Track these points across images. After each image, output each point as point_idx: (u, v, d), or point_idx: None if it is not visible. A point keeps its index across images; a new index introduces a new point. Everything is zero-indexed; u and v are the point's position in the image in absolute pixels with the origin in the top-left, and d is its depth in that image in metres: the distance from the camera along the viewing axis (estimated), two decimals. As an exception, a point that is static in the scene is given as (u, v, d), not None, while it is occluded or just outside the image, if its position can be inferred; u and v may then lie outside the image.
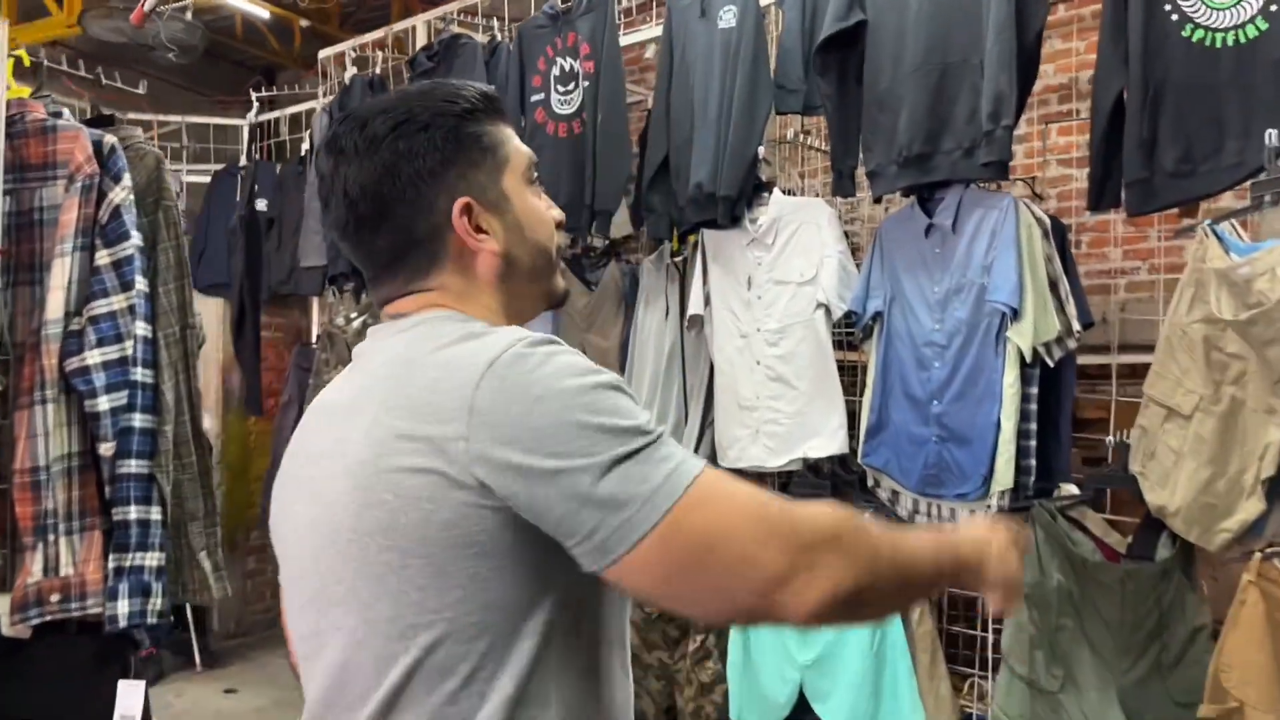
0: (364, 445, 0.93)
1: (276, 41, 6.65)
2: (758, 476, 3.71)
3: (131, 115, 6.19)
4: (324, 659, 0.97)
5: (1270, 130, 2.29)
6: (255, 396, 5.26)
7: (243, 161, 5.80)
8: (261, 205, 5.61)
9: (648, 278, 3.71)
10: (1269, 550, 2.34)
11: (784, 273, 3.15)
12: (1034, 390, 2.69)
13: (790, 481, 3.21)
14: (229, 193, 5.77)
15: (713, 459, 3.30)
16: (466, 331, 0.96)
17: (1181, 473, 2.46)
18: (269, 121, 5.83)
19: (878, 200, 3.01)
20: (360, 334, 4.35)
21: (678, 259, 3.60)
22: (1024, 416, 2.69)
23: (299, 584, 1.03)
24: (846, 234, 3.40)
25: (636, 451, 0.87)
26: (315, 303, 5.16)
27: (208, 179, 5.96)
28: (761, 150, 3.16)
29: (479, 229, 1.03)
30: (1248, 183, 2.44)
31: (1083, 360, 3.45)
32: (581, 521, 0.85)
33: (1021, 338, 2.62)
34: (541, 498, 0.86)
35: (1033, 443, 2.69)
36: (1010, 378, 2.65)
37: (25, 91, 2.70)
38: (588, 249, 3.95)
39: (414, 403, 0.91)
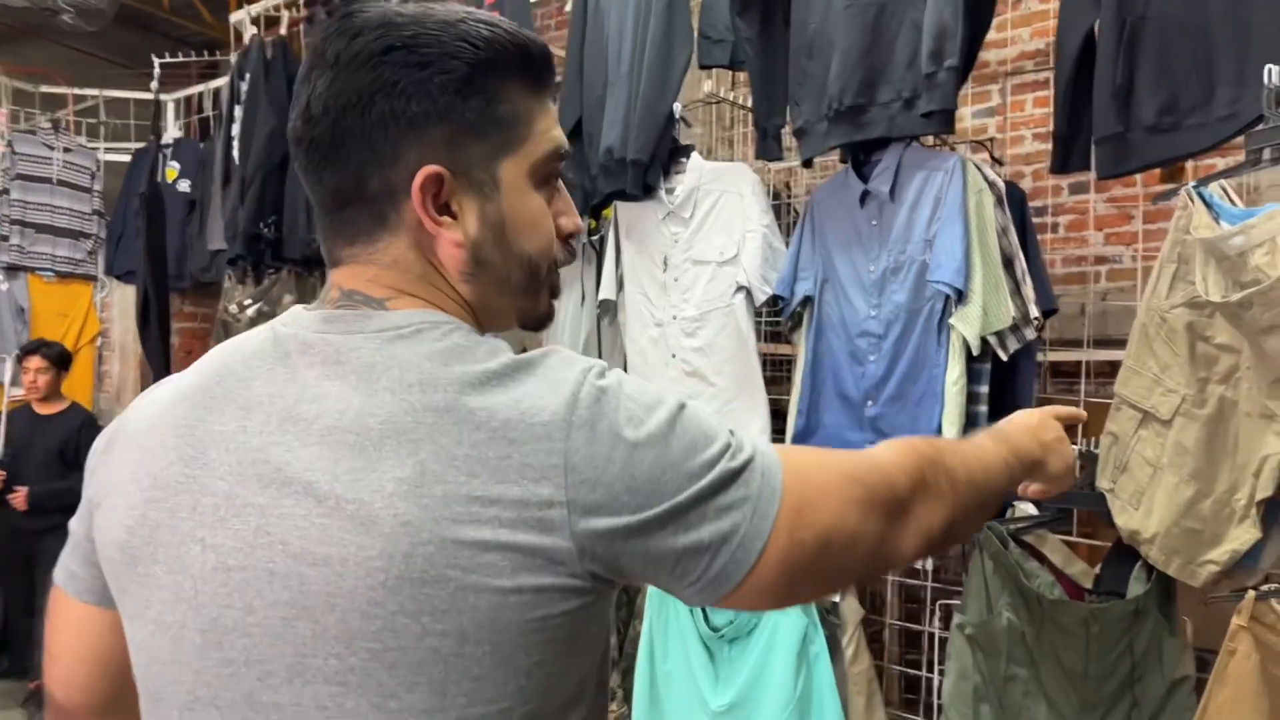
0: (406, 501, 0.71)
1: (210, 14, 6.23)
2: None
3: (44, 89, 5.79)
4: None
5: (1270, 66, 1.84)
6: (161, 392, 4.80)
7: (167, 139, 5.38)
8: (184, 186, 5.21)
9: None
10: (1264, 588, 1.89)
11: (703, 251, 2.70)
12: (983, 389, 2.24)
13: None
14: (144, 170, 5.33)
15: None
16: (501, 356, 0.78)
17: (1159, 490, 2.01)
18: (196, 96, 5.40)
19: (807, 164, 2.56)
20: (255, 321, 3.91)
21: (594, 238, 3.15)
22: (971, 421, 2.24)
23: (208, 637, 0.77)
24: (783, 208, 2.95)
25: (733, 473, 0.76)
26: (238, 290, 4.73)
27: (128, 158, 5.57)
28: (678, 108, 2.72)
29: (446, 209, 0.80)
30: (1240, 138, 2.00)
31: (1056, 357, 3.01)
32: (697, 561, 0.76)
33: (967, 325, 2.17)
34: (655, 549, 0.75)
35: (982, 452, 2.23)
36: (954, 374, 2.20)
37: None
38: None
39: (483, 456, 0.72)
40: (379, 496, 0.72)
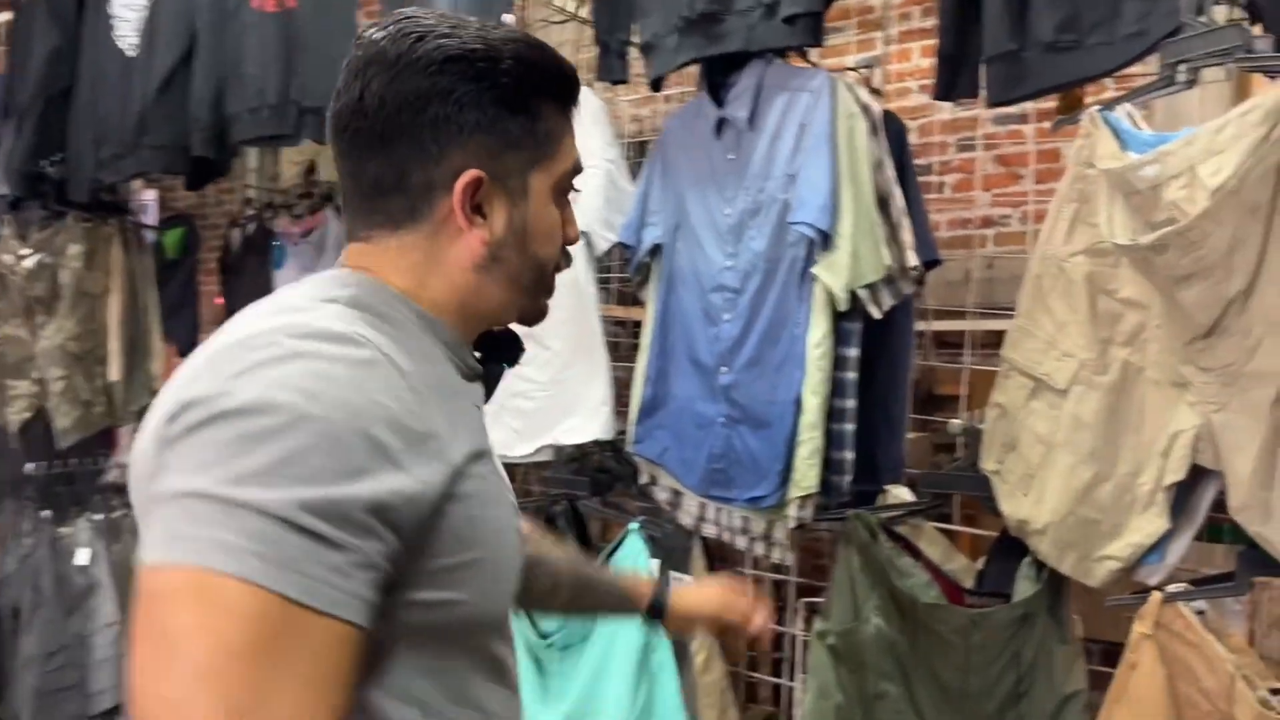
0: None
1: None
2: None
3: None
4: None
5: (1190, -40, 1.53)
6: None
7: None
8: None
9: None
10: (1172, 589, 1.59)
11: (537, 191, 2.30)
12: (852, 352, 1.89)
13: (543, 476, 2.37)
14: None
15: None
16: (297, 304, 0.80)
17: (1052, 473, 1.70)
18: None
19: (655, 85, 2.17)
20: (36, 274, 3.35)
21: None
22: (838, 389, 1.89)
23: None
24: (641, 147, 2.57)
25: (227, 502, 0.65)
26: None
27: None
28: (509, 19, 2.30)
29: (478, 209, 0.87)
30: (1148, 59, 1.70)
31: (940, 326, 2.71)
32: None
33: (833, 274, 1.81)
34: None
35: (849, 427, 1.89)
36: (817, 333, 1.84)
37: None
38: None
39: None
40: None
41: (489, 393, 0.96)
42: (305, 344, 0.72)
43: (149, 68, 2.93)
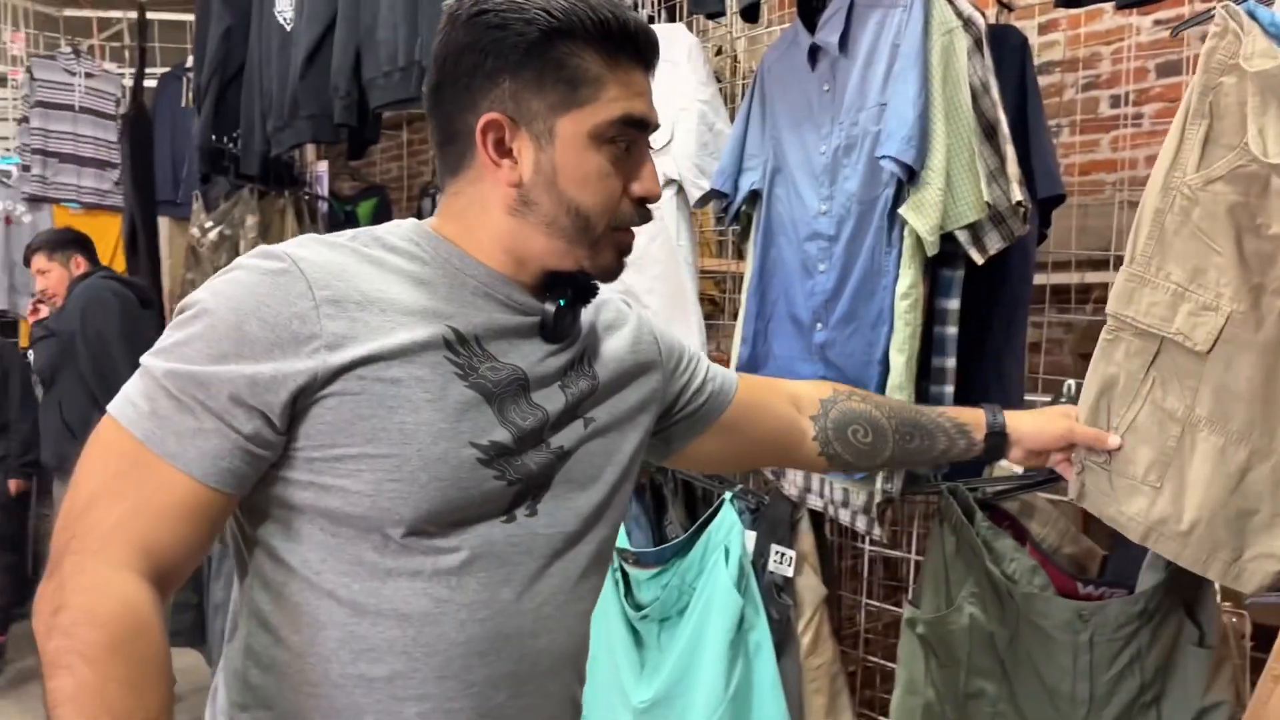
0: None
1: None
2: None
3: (68, 13, 5.59)
4: None
5: None
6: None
7: (189, 62, 5.10)
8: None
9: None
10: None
11: (636, 139, 2.17)
12: (952, 304, 1.66)
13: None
14: (174, 99, 5.06)
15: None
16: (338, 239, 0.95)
17: (1195, 457, 1.40)
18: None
19: (748, 13, 1.98)
20: (218, 245, 3.57)
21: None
22: (937, 346, 1.67)
23: None
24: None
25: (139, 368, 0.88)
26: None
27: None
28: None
29: (508, 153, 0.94)
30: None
31: (1059, 280, 2.37)
32: None
33: (920, 215, 1.58)
34: None
35: (948, 389, 1.66)
36: (905, 282, 1.62)
37: None
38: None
39: None
40: None
41: (556, 330, 0.99)
42: (243, 260, 0.90)
43: (299, 40, 3.02)
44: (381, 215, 4.40)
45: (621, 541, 2.14)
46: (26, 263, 3.93)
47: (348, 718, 0.90)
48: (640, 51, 0.95)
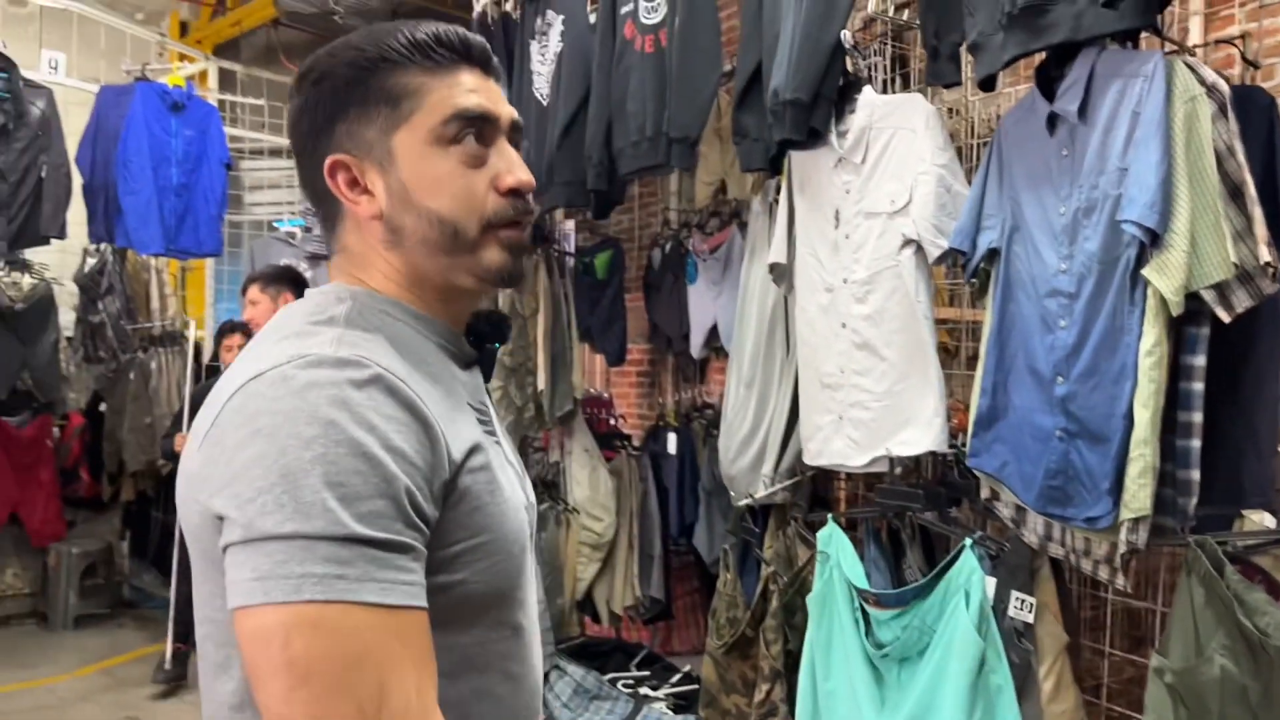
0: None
1: None
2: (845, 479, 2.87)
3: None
4: None
5: None
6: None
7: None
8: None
9: (753, 222, 2.97)
10: None
11: (874, 201, 2.31)
12: (1198, 361, 1.70)
13: (877, 488, 2.36)
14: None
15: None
16: (301, 324, 0.89)
17: None
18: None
19: (986, 85, 2.08)
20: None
21: (777, 196, 2.82)
22: (1182, 401, 1.70)
23: None
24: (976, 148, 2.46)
25: (304, 539, 0.75)
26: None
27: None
28: (847, 36, 2.33)
29: (362, 188, 0.94)
30: None
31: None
32: (225, 558, 0.78)
33: (1164, 277, 1.64)
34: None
35: (1194, 443, 1.69)
36: (1149, 340, 1.68)
37: None
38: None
39: (208, 405, 0.86)
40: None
41: (486, 374, 1.02)
42: (316, 373, 0.80)
43: (555, 114, 3.33)
44: (616, 266, 4.69)
45: (861, 582, 2.25)
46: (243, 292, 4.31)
47: None
48: (467, 53, 0.95)
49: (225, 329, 4.28)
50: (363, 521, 0.75)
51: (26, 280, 5.52)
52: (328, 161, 0.93)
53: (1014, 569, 2.10)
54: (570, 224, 4.20)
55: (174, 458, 4.27)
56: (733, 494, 2.90)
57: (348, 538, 0.75)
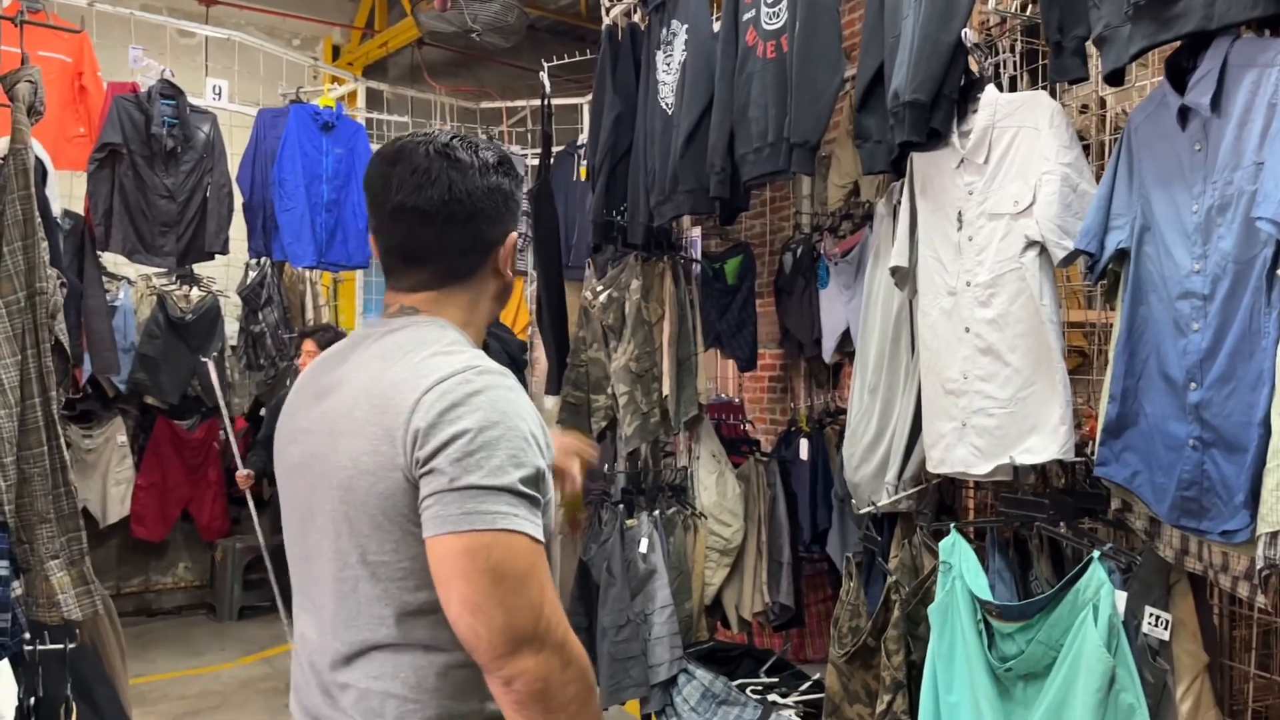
0: (345, 420, 1.21)
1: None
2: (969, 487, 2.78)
3: (484, 105, 6.47)
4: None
5: None
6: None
7: (580, 140, 5.74)
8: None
9: (878, 225, 2.93)
10: None
11: (998, 202, 2.24)
12: (1345, 365, 1.59)
13: (1002, 496, 2.29)
14: (567, 173, 5.73)
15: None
16: (442, 348, 1.22)
17: None
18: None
19: (1113, 79, 2.00)
20: (606, 306, 4.00)
21: (898, 200, 2.76)
22: (1328, 410, 1.60)
23: (291, 510, 1.32)
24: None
25: (482, 489, 1.12)
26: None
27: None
28: (969, 34, 2.27)
29: (506, 261, 1.34)
30: None
31: None
32: (430, 499, 1.13)
33: (1302, 276, 1.55)
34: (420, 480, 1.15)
35: (1342, 454, 1.59)
36: (1288, 344, 1.58)
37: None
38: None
39: (384, 395, 1.18)
40: (332, 416, 1.24)
41: None
42: (488, 379, 1.18)
43: (680, 123, 3.36)
44: (747, 270, 4.68)
45: (984, 594, 2.19)
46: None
47: None
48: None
49: (302, 336, 4.57)
50: (524, 483, 1.13)
51: (195, 293, 5.92)
52: (513, 237, 1.34)
53: (1148, 584, 2.00)
54: (697, 231, 4.22)
55: None
56: (854, 501, 2.87)
57: (517, 492, 1.12)
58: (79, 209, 4.58)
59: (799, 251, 4.62)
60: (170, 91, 4.65)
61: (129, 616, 5.98)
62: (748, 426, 5.07)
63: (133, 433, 5.73)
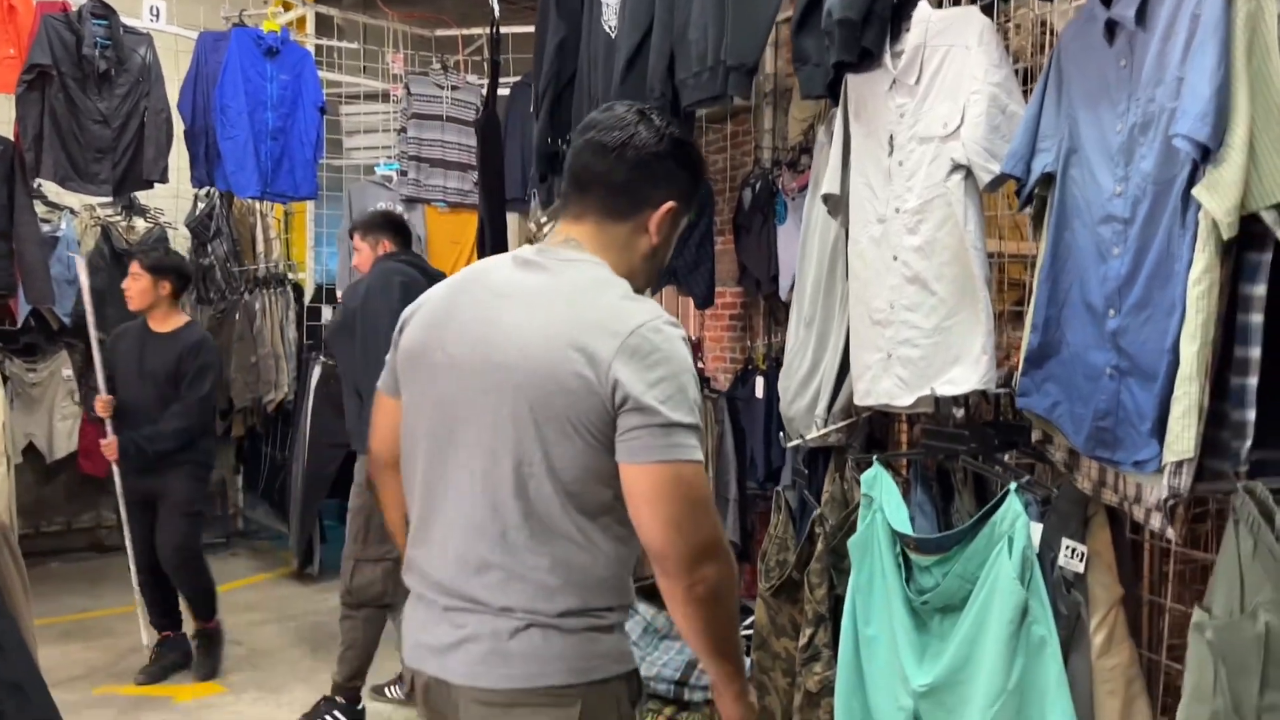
0: (540, 337, 1.36)
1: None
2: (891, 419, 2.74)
3: (439, 33, 6.28)
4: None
5: None
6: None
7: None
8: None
9: (818, 153, 2.84)
10: None
11: (927, 125, 2.16)
12: (1258, 290, 1.53)
13: (923, 429, 2.24)
14: (525, 104, 5.58)
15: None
16: (625, 293, 1.41)
17: None
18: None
19: (1041, -5, 1.91)
20: (553, 238, 3.90)
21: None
22: (1240, 335, 1.55)
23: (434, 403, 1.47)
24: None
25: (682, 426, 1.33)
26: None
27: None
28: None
29: (658, 226, 1.49)
30: None
31: None
32: (639, 431, 1.32)
33: (1215, 196, 1.48)
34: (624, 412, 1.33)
35: (1251, 381, 1.54)
36: (1199, 268, 1.52)
37: None
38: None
39: (586, 326, 1.34)
40: (525, 331, 1.37)
41: None
42: (673, 330, 1.37)
43: (620, 46, 3.24)
44: (704, 206, 4.58)
45: (903, 527, 2.16)
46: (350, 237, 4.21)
47: None
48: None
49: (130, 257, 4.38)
50: (698, 421, 1.34)
51: (141, 224, 5.78)
52: (669, 205, 1.48)
53: (1065, 516, 1.97)
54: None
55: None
56: (783, 434, 2.82)
57: (696, 427, 1.33)
58: (9, 133, 4.42)
59: (758, 187, 4.52)
60: (102, 11, 4.46)
61: (80, 552, 5.92)
62: (700, 364, 5.02)
63: (79, 367, 5.61)
